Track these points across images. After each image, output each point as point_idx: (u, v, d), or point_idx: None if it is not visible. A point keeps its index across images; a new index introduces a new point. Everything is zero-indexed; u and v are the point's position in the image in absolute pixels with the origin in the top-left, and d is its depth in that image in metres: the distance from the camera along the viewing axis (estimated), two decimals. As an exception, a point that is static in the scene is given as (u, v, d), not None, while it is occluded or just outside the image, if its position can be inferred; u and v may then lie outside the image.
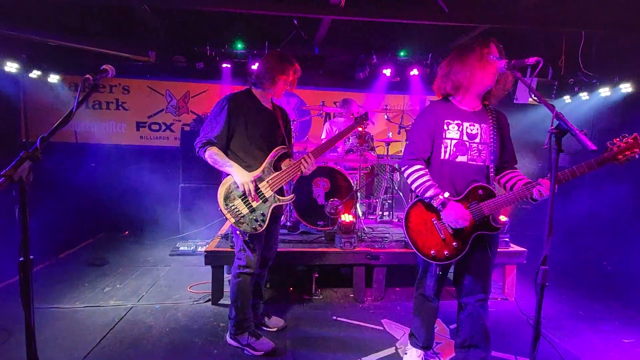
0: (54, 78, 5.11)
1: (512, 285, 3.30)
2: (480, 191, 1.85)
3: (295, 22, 4.44)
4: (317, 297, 3.16)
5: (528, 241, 3.37)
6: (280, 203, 2.21)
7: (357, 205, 3.75)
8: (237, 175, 2.13)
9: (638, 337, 2.70)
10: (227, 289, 3.14)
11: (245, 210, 2.16)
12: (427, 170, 1.89)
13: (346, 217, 3.16)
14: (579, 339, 2.65)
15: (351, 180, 3.69)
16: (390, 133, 4.51)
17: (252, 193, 2.12)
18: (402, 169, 1.95)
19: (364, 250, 3.13)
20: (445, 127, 1.87)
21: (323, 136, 4.77)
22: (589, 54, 4.44)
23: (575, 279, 3.85)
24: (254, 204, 2.16)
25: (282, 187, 2.27)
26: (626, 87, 4.37)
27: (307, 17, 4.16)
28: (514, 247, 3.28)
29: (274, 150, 2.23)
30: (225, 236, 3.32)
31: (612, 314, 3.07)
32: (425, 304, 2.09)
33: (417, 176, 1.87)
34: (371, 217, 4.49)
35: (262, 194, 2.18)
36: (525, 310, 3.03)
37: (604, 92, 4.61)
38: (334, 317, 2.84)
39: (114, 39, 4.83)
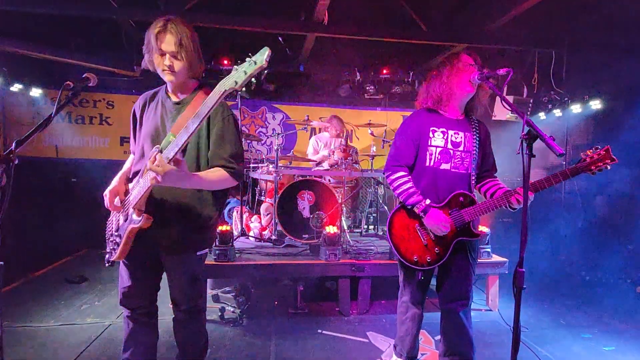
0: (35, 92, 5.04)
1: (495, 295, 3.34)
2: (461, 198, 1.90)
3: (281, 40, 4.55)
4: (302, 311, 3.12)
5: (510, 254, 3.43)
6: (136, 225, 1.53)
7: (343, 218, 3.76)
8: None
9: (616, 344, 2.75)
10: (210, 303, 3.07)
11: (113, 228, 1.69)
12: (410, 177, 1.93)
13: (330, 229, 3.16)
14: (561, 347, 2.69)
15: (336, 194, 3.72)
16: (375, 147, 4.58)
17: (109, 206, 1.66)
18: (386, 174, 1.99)
19: (349, 262, 3.13)
20: (431, 135, 1.92)
21: (310, 151, 4.81)
22: (560, 73, 4.68)
23: (556, 289, 3.91)
24: (120, 222, 1.64)
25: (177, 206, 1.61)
26: (595, 104, 4.59)
27: (291, 35, 4.28)
28: (496, 258, 3.33)
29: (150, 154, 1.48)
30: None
31: (590, 322, 3.14)
32: (409, 311, 2.09)
33: (400, 182, 1.92)
34: (356, 230, 4.50)
35: (126, 209, 1.61)
36: (509, 321, 3.04)
37: (575, 109, 4.82)
38: (319, 331, 2.80)
39: (99, 53, 4.83)
